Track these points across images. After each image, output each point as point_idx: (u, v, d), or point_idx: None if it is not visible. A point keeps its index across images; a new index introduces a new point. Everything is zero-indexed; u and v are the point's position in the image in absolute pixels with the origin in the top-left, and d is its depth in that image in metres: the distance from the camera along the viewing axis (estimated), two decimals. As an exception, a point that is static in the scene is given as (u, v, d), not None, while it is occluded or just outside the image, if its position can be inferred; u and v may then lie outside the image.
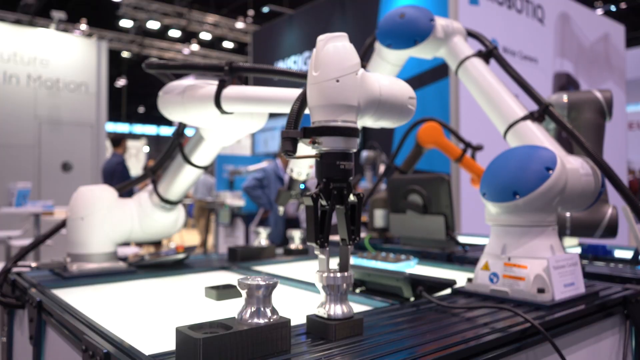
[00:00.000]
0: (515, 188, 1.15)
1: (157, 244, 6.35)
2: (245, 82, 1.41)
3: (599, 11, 12.10)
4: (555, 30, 5.93)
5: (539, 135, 1.33)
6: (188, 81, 1.42)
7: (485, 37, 1.60)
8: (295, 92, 0.97)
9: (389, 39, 1.57)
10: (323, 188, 0.88)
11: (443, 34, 1.56)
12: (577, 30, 6.26)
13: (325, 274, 0.87)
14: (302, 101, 0.94)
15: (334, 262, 0.90)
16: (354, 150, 0.91)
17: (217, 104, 1.31)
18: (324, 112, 0.89)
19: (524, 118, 1.37)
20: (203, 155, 1.61)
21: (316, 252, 0.88)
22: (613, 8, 13.23)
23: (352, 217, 0.90)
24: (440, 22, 1.56)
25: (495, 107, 1.43)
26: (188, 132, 1.67)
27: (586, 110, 1.62)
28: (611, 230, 1.55)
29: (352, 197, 0.90)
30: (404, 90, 1.01)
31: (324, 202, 0.88)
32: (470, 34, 1.63)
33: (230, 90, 1.31)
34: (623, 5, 13.19)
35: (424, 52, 1.58)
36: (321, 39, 0.91)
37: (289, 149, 0.87)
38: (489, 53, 1.55)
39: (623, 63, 7.15)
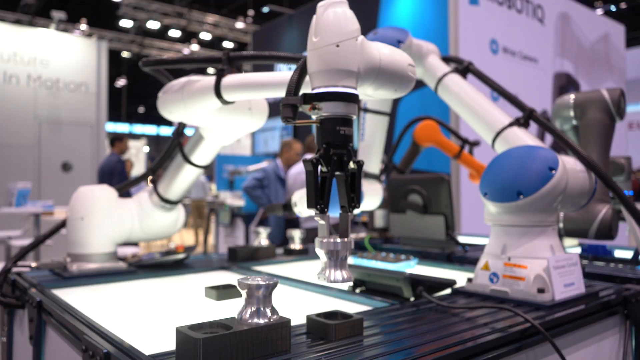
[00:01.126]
0: (519, 188, 1.15)
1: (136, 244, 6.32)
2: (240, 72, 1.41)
3: (599, 11, 12.10)
4: (555, 30, 5.93)
5: (527, 140, 1.34)
6: (186, 78, 1.41)
7: (458, 57, 1.64)
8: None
9: None
10: (323, 154, 0.87)
11: (417, 51, 1.58)
12: (577, 30, 6.26)
13: (325, 240, 0.87)
14: (301, 70, 0.93)
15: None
16: (354, 116, 0.91)
17: (218, 93, 1.30)
18: (323, 78, 0.88)
19: (510, 125, 1.38)
20: (203, 154, 1.61)
21: (316, 218, 0.87)
22: (613, 8, 13.24)
23: (352, 184, 0.89)
24: (413, 40, 1.57)
25: (479, 118, 1.45)
26: (188, 132, 1.67)
27: (591, 110, 1.61)
28: (605, 230, 1.51)
29: (352, 165, 0.89)
30: (404, 58, 1.01)
31: (324, 168, 0.87)
32: (444, 59, 1.65)
33: (230, 78, 1.31)
34: (623, 5, 13.19)
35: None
36: (321, 5, 0.91)
37: (288, 115, 0.87)
38: (465, 69, 1.59)
39: (623, 63, 7.15)
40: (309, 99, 0.88)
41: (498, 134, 1.39)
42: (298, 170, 4.70)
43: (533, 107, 1.43)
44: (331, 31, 0.88)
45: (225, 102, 1.33)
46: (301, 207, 1.69)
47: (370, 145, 1.71)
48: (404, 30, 1.57)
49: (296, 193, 1.74)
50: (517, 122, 1.39)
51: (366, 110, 1.69)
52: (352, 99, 0.89)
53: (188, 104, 1.38)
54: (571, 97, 1.67)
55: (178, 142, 1.62)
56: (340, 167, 0.88)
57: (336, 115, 0.88)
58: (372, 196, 1.68)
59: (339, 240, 0.87)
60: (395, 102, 4.93)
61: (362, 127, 1.71)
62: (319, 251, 0.88)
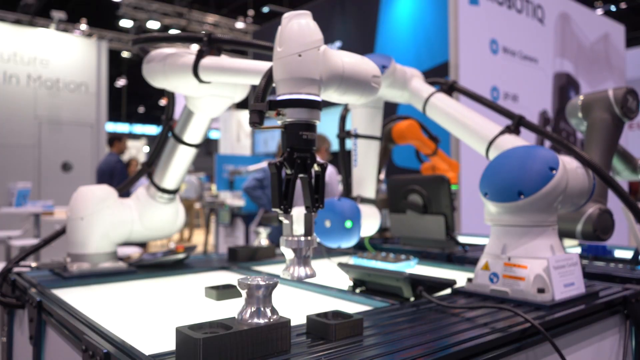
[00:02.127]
0: (520, 188, 1.15)
1: (143, 246, 6.32)
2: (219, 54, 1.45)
3: (599, 11, 12.09)
4: (555, 30, 5.93)
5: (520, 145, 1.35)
6: (170, 49, 1.46)
7: (441, 79, 1.71)
8: (269, 64, 1.04)
9: None
10: (287, 157, 0.92)
11: (402, 76, 1.63)
12: (577, 30, 6.26)
13: (290, 238, 0.91)
14: (268, 77, 0.98)
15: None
16: (317, 122, 0.95)
17: (195, 73, 1.37)
18: (287, 86, 0.93)
19: (502, 133, 1.40)
20: (194, 130, 1.61)
21: (280, 217, 0.92)
22: (613, 8, 13.23)
23: (316, 186, 0.94)
24: (397, 66, 1.62)
25: (470, 131, 1.47)
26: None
27: (595, 109, 1.62)
28: (589, 231, 1.44)
29: (316, 167, 0.94)
30: (369, 69, 1.07)
31: (288, 171, 0.92)
32: (428, 81, 1.70)
33: (208, 60, 1.37)
34: (623, 5, 13.18)
35: (386, 91, 1.64)
36: (286, 16, 0.96)
37: (255, 120, 0.92)
38: (450, 87, 1.64)
39: (623, 63, 7.15)
40: (274, 105, 0.93)
41: (490, 143, 1.41)
42: None
43: (521, 114, 1.45)
44: (294, 42, 0.93)
45: (201, 82, 1.39)
46: (298, 225, 1.70)
47: (363, 170, 1.72)
48: (387, 57, 1.64)
49: (295, 209, 1.75)
50: (508, 130, 1.41)
51: (357, 135, 1.70)
52: (315, 105, 0.94)
53: (168, 76, 1.43)
54: (580, 98, 1.68)
55: (169, 126, 1.63)
56: (304, 170, 0.93)
57: (299, 120, 0.92)
58: (370, 221, 1.70)
59: (302, 238, 0.90)
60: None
61: (354, 153, 1.72)
62: (284, 249, 0.92)
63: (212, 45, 1.40)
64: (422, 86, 1.63)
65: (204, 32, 1.41)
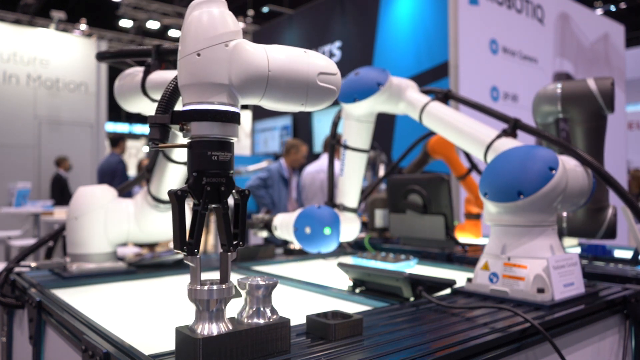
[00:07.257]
0: (520, 188, 1.15)
1: (152, 245, 6.30)
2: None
3: (599, 11, 12.10)
4: (555, 30, 5.93)
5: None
6: (131, 70, 1.36)
7: (436, 87, 1.72)
8: None
9: (339, 94, 1.71)
10: (193, 184, 0.74)
11: (397, 89, 1.63)
12: (577, 30, 6.27)
13: (197, 287, 0.73)
14: (176, 83, 0.81)
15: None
16: (233, 138, 0.78)
17: (144, 90, 1.23)
18: (190, 93, 0.76)
19: (499, 136, 1.41)
20: (181, 150, 1.55)
21: (185, 261, 0.74)
22: (613, 8, 13.23)
23: (235, 218, 0.78)
24: (393, 80, 1.63)
25: (467, 136, 1.47)
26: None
27: (581, 102, 1.55)
28: (610, 231, 1.59)
29: (235, 195, 0.78)
30: (312, 65, 0.83)
31: (195, 201, 0.75)
32: (424, 91, 1.71)
33: (155, 75, 1.22)
34: (623, 5, 13.18)
35: (381, 106, 1.66)
36: (192, 4, 0.79)
37: (155, 136, 0.76)
38: (445, 96, 1.65)
39: (623, 63, 7.15)
40: (177, 117, 0.76)
41: (488, 147, 1.41)
42: (316, 169, 4.61)
43: (517, 117, 1.45)
44: (193, 37, 0.76)
45: (153, 100, 1.25)
46: (280, 231, 1.72)
47: (349, 180, 1.77)
48: (384, 70, 1.65)
49: (278, 216, 1.76)
50: (504, 133, 1.42)
51: (346, 147, 1.75)
52: (226, 117, 0.75)
53: (128, 99, 1.32)
54: (557, 86, 1.60)
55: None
56: (217, 199, 0.75)
57: (208, 137, 0.75)
58: (350, 228, 1.74)
59: (214, 287, 0.74)
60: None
61: (342, 162, 1.77)
62: (191, 301, 0.75)
63: (161, 58, 1.24)
64: (417, 96, 1.63)
65: (152, 45, 1.26)
